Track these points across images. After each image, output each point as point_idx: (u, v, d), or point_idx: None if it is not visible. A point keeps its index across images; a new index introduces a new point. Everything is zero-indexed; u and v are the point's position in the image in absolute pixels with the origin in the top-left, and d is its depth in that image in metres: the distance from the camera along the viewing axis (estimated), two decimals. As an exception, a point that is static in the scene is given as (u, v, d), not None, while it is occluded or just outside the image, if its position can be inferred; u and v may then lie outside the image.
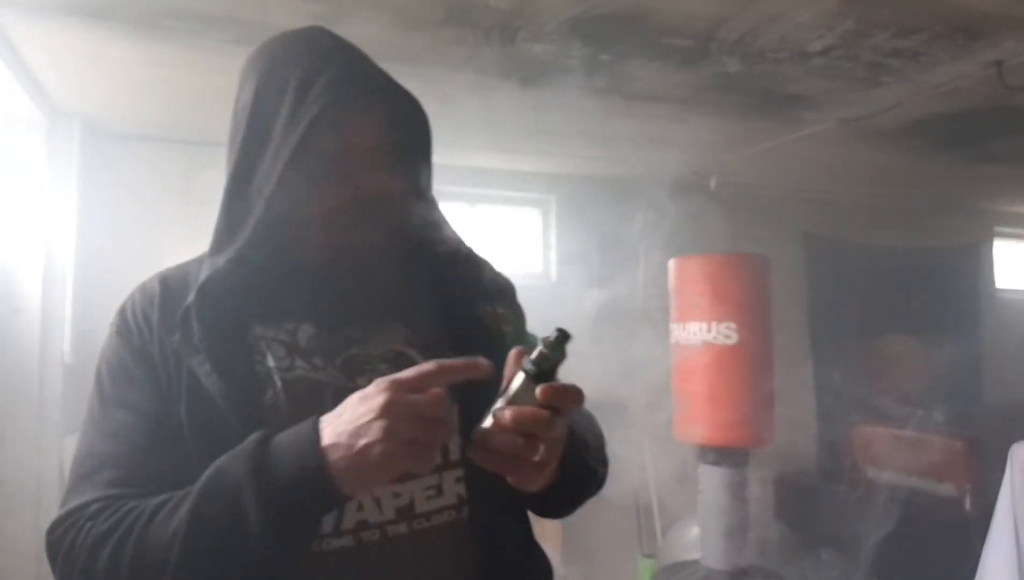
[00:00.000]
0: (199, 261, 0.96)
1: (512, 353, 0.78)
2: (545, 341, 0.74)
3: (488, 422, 0.74)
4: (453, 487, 0.87)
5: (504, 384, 0.76)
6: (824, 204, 5.14)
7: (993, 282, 5.75)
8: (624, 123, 3.54)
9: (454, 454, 0.88)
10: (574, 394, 0.74)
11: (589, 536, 3.82)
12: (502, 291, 1.02)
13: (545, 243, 4.68)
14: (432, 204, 0.98)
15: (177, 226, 3.68)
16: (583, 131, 3.65)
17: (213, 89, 3.00)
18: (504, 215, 4.57)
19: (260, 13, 2.31)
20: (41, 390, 3.20)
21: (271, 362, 0.86)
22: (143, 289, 0.95)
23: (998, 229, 5.95)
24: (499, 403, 0.74)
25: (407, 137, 0.93)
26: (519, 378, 0.74)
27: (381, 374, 0.73)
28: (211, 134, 3.70)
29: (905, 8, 2.31)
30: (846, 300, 4.69)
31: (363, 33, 2.39)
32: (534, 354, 0.74)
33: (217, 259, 0.89)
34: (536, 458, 0.74)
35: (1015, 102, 3.14)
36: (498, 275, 1.04)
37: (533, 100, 3.16)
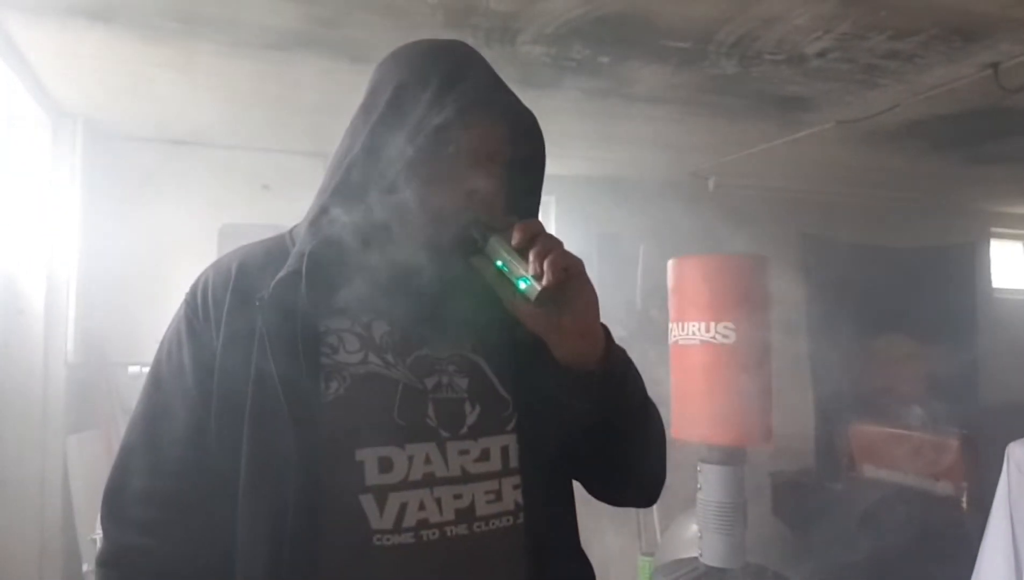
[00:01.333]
0: (279, 239, 0.96)
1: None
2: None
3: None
4: (511, 493, 0.89)
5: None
6: (822, 205, 5.16)
7: (990, 282, 5.77)
8: (623, 124, 3.56)
9: (513, 461, 0.90)
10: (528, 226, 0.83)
11: (588, 533, 3.83)
12: None
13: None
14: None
15: (179, 226, 3.70)
16: (583, 132, 3.67)
17: (215, 91, 3.02)
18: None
19: (261, 15, 2.32)
20: (44, 389, 3.21)
21: (342, 355, 0.87)
22: (217, 266, 0.93)
23: (994, 230, 5.98)
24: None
25: (524, 157, 0.95)
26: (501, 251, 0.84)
27: (449, 375, 0.80)
28: (212, 135, 3.73)
29: (902, 10, 2.33)
30: (844, 300, 4.71)
31: (363, 36, 2.40)
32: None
33: (319, 224, 0.88)
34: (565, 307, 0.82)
35: (1011, 104, 3.16)
36: None
37: (533, 101, 3.18)
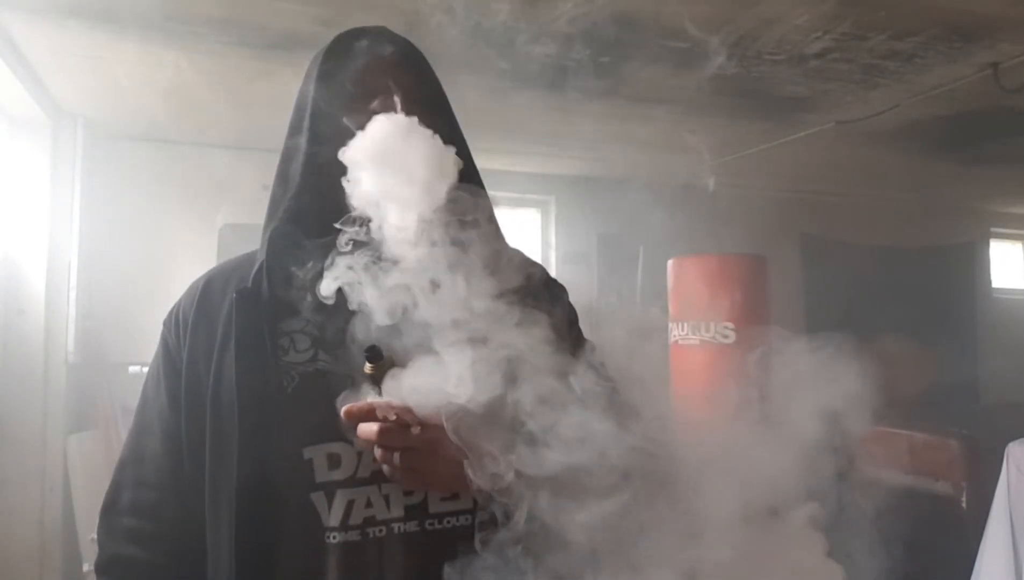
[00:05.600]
0: (251, 253, 0.97)
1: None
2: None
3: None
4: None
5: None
6: (821, 205, 5.16)
7: (989, 282, 5.77)
8: (623, 125, 3.56)
9: None
10: (355, 413, 0.78)
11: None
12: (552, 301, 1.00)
13: (545, 243, 4.70)
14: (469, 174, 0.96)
15: (179, 226, 3.70)
16: (583, 132, 3.67)
17: (214, 90, 3.02)
18: (504, 215, 4.59)
19: (261, 16, 2.33)
20: (45, 389, 3.21)
21: (292, 355, 0.88)
22: (190, 288, 0.97)
23: (994, 230, 5.98)
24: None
25: (427, 90, 0.96)
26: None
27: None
28: (213, 135, 3.73)
29: (901, 11, 2.33)
30: (843, 299, 4.71)
31: (365, 35, 2.40)
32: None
33: (270, 225, 0.91)
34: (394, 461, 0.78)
35: (1011, 104, 3.16)
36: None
37: (533, 102, 3.18)
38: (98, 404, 3.48)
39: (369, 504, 0.84)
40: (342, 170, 0.84)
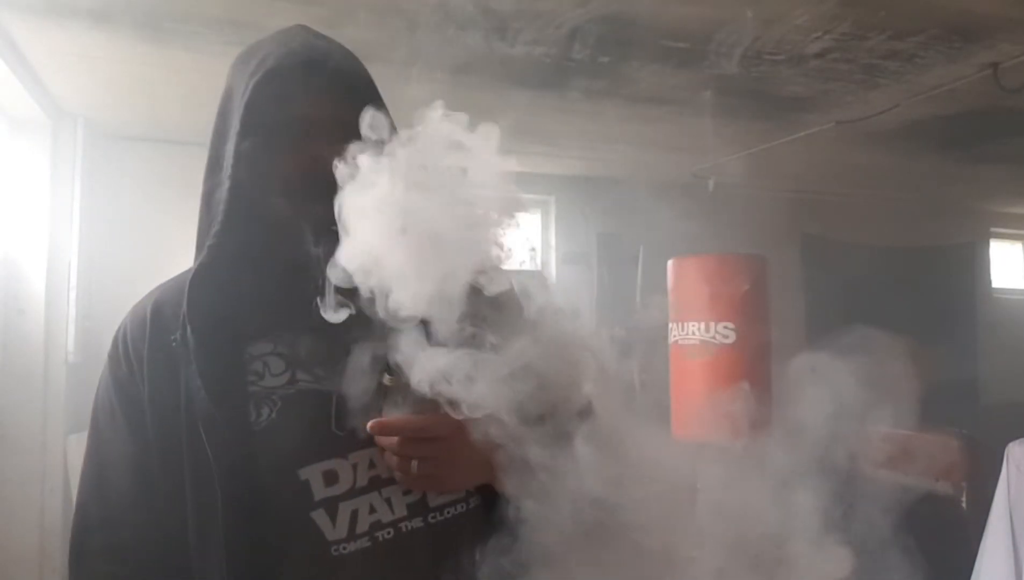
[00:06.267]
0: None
1: None
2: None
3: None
4: None
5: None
6: (821, 205, 5.16)
7: (989, 282, 5.78)
8: (623, 125, 3.56)
9: None
10: (376, 427, 0.80)
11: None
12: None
13: (545, 243, 4.70)
14: None
15: (179, 226, 3.70)
16: (583, 132, 3.67)
17: (214, 90, 3.01)
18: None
19: (260, 16, 2.33)
20: (45, 389, 3.21)
21: (268, 379, 0.85)
22: (134, 313, 0.93)
23: (994, 230, 5.98)
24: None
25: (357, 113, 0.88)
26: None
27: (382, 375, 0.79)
28: (213, 135, 3.73)
29: (901, 11, 2.33)
30: (843, 299, 4.72)
31: (363, 36, 2.40)
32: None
33: (199, 255, 0.90)
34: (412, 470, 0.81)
35: (1011, 104, 3.16)
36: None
37: (533, 101, 3.18)
38: (98, 404, 3.48)
39: (373, 510, 0.85)
40: (268, 208, 0.84)
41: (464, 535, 0.87)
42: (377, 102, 0.90)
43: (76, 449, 3.25)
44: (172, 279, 0.96)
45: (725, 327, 2.75)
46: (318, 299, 0.80)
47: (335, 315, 0.79)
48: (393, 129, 0.83)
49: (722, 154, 4.08)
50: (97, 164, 3.52)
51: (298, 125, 0.87)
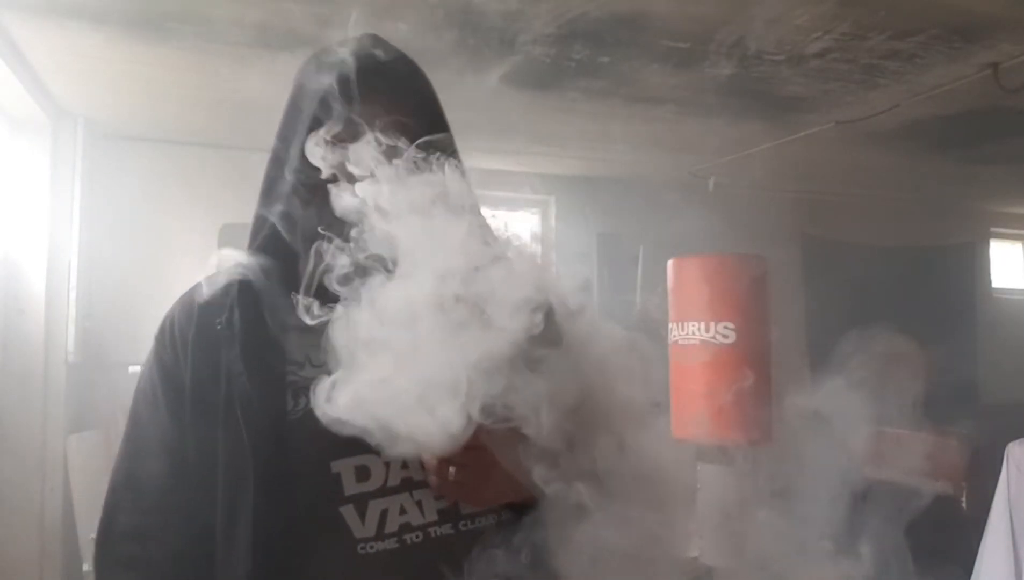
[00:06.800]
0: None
1: None
2: None
3: None
4: None
5: None
6: (821, 205, 5.16)
7: (989, 282, 5.78)
8: (623, 125, 3.56)
9: None
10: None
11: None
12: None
13: (545, 243, 4.70)
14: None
15: (179, 226, 3.70)
16: (582, 132, 3.67)
17: (214, 90, 3.02)
18: (504, 216, 4.60)
19: (260, 15, 2.33)
20: (45, 389, 3.21)
21: (308, 370, 0.86)
22: (182, 300, 0.95)
23: (994, 230, 5.98)
24: None
25: (421, 123, 0.93)
26: None
27: None
28: (212, 135, 3.73)
29: (901, 11, 2.33)
30: (843, 299, 4.72)
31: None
32: None
33: (254, 243, 0.91)
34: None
35: (1011, 103, 3.16)
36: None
37: (533, 101, 3.18)
38: (98, 404, 3.48)
39: (403, 511, 0.85)
40: (325, 207, 0.83)
41: (493, 547, 0.85)
42: (437, 116, 0.96)
43: (76, 449, 3.25)
44: (221, 271, 0.97)
45: (725, 327, 2.74)
46: None
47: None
48: (455, 152, 0.89)
49: (722, 154, 4.08)
50: (97, 164, 3.52)
51: (360, 130, 0.87)
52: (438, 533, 0.85)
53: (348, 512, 0.83)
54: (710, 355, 2.77)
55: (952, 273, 5.36)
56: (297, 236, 0.87)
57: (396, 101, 0.91)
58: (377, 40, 0.99)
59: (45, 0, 2.24)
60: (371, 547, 0.83)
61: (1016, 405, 4.24)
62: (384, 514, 0.84)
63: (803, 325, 4.90)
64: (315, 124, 0.87)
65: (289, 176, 0.88)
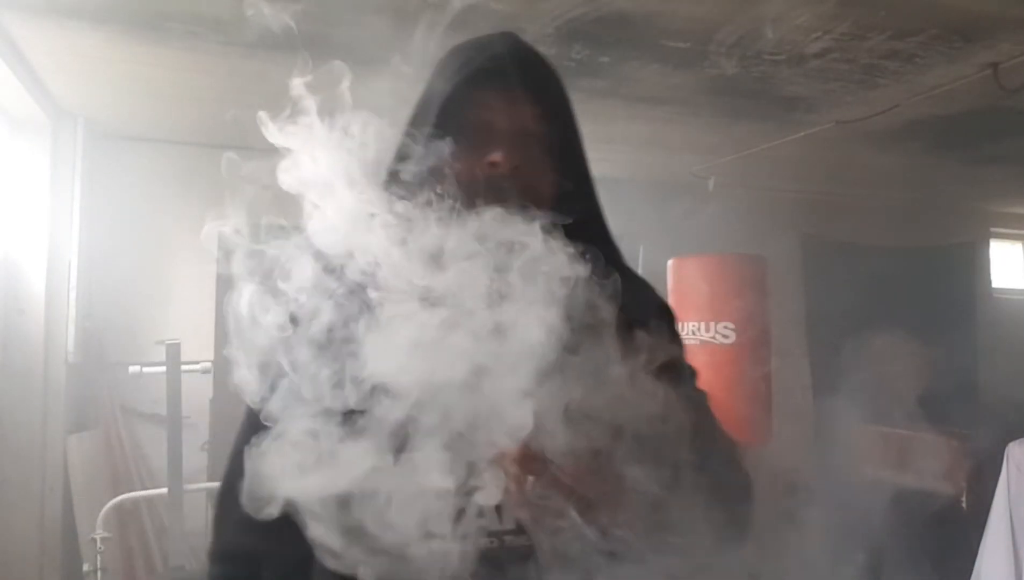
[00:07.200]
0: None
1: None
2: None
3: None
4: None
5: None
6: (821, 205, 5.16)
7: (989, 282, 5.78)
8: (623, 125, 3.56)
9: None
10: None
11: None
12: (659, 312, 0.98)
13: (544, 243, 4.70)
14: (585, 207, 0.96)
15: (179, 226, 3.70)
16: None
17: (214, 90, 3.02)
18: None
19: (260, 16, 2.32)
20: (45, 389, 3.21)
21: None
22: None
23: (994, 230, 5.98)
24: None
25: (553, 132, 0.94)
26: None
27: None
28: (212, 135, 3.72)
29: (901, 11, 2.33)
30: (843, 299, 4.72)
31: (362, 35, 2.40)
32: None
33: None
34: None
35: (1011, 104, 3.16)
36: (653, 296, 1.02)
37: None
38: (98, 404, 3.48)
39: (481, 515, 0.82)
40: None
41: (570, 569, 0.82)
42: (569, 121, 0.98)
43: (76, 449, 3.25)
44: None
45: (725, 327, 2.75)
46: None
47: None
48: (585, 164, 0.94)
49: (722, 154, 4.08)
50: (97, 164, 3.52)
51: (485, 132, 0.89)
52: (512, 543, 0.84)
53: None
54: (710, 355, 2.77)
55: (952, 273, 5.36)
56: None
57: (525, 105, 0.91)
58: (512, 40, 1.00)
59: (45, 0, 2.24)
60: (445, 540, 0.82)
61: (1016, 405, 4.24)
62: (462, 511, 0.81)
63: (803, 325, 4.90)
64: (442, 122, 0.88)
65: (410, 179, 0.87)
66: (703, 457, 0.79)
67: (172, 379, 2.95)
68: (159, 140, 3.75)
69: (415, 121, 0.94)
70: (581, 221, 0.91)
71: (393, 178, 0.90)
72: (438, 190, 0.85)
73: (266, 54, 2.58)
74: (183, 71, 2.82)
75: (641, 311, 0.91)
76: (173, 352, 2.95)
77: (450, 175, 0.86)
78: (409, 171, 0.87)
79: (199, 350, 3.20)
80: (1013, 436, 2.29)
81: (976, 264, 5.62)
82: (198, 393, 3.25)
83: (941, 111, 3.35)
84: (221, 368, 3.06)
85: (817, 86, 3.01)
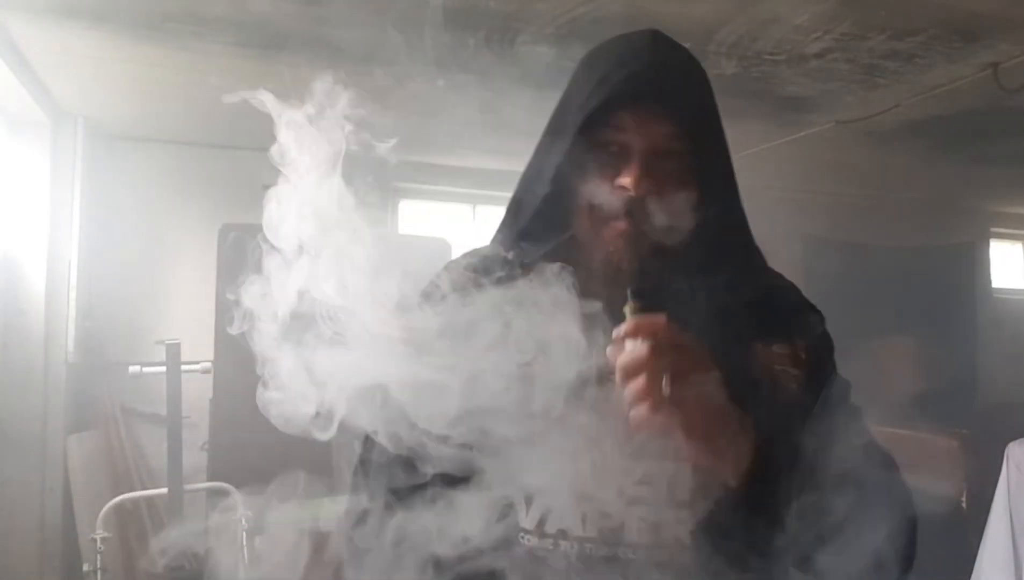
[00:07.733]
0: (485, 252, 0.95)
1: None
2: None
3: None
4: (674, 528, 0.81)
5: None
6: (822, 205, 5.16)
7: (989, 282, 5.77)
8: (623, 124, 3.56)
9: (681, 493, 0.81)
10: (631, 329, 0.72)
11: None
12: (800, 330, 0.94)
13: (544, 243, 4.69)
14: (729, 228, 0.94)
15: (179, 226, 3.70)
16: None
17: (213, 91, 3.01)
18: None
19: (259, 16, 2.33)
20: (45, 389, 3.21)
21: None
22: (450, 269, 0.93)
23: (994, 229, 5.98)
24: None
25: (696, 150, 0.89)
26: None
27: None
28: (212, 135, 3.73)
29: (901, 11, 2.33)
30: (843, 299, 4.71)
31: (363, 36, 2.40)
32: None
33: (516, 225, 0.92)
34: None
35: (1011, 104, 3.16)
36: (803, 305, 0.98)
37: (533, 102, 3.18)
38: (98, 404, 3.48)
39: (564, 517, 0.83)
40: (569, 223, 0.85)
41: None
42: (713, 134, 0.93)
43: (76, 449, 3.25)
44: (462, 258, 0.98)
45: (725, 327, 2.74)
46: None
47: None
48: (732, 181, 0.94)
49: (722, 154, 4.07)
50: (97, 164, 3.52)
51: (617, 153, 0.85)
52: (592, 551, 0.81)
53: (518, 497, 0.83)
54: (710, 355, 2.77)
55: (952, 273, 5.35)
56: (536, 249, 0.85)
57: (663, 123, 0.86)
58: (655, 46, 0.97)
59: (45, 0, 2.24)
60: (528, 539, 0.83)
61: (1016, 405, 4.24)
62: (547, 513, 0.83)
63: (803, 325, 4.89)
64: (584, 122, 0.85)
65: (542, 192, 0.88)
66: (859, 471, 0.78)
67: (172, 379, 2.94)
68: (159, 140, 3.75)
69: (549, 130, 0.93)
70: (726, 231, 0.93)
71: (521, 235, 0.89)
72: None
73: (266, 54, 2.59)
74: (183, 71, 2.82)
75: (793, 323, 0.93)
76: (173, 352, 2.95)
77: (582, 193, 0.84)
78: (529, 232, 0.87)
79: (199, 350, 3.20)
80: (1013, 436, 2.29)
81: (976, 264, 5.61)
82: (198, 393, 3.25)
83: (941, 111, 3.35)
84: (221, 368, 3.05)
85: (817, 86, 3.01)
